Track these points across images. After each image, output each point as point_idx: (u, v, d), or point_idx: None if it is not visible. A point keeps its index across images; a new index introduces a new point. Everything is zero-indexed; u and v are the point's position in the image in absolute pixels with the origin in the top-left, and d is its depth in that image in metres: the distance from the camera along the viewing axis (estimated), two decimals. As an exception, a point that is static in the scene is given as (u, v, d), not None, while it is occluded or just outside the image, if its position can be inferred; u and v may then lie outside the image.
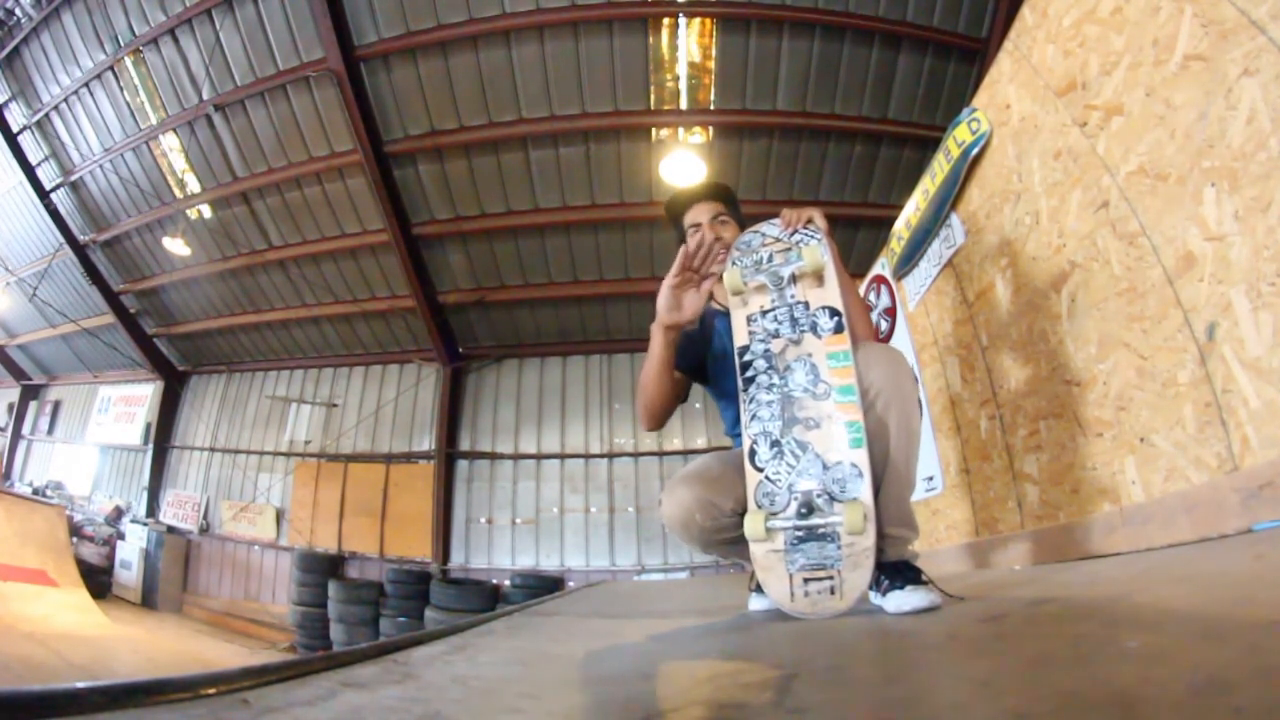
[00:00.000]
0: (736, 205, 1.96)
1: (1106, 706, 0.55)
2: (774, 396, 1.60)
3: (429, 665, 1.12)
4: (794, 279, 1.68)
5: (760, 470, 1.55)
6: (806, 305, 1.66)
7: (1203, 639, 0.69)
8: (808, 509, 1.48)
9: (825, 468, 1.50)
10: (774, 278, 1.71)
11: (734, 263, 1.75)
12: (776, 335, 1.66)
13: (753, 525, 1.48)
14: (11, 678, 4.10)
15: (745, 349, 1.68)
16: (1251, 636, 0.66)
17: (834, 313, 1.63)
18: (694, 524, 1.59)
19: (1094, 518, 1.97)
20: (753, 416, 1.61)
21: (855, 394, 1.53)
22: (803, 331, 1.64)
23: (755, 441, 1.58)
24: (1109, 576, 1.49)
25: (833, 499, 1.47)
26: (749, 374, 1.65)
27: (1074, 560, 1.99)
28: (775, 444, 1.56)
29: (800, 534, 1.48)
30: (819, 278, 1.67)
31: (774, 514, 1.50)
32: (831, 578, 1.46)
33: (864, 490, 1.46)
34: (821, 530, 1.47)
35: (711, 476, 1.63)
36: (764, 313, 1.69)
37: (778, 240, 1.74)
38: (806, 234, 1.72)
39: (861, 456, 1.48)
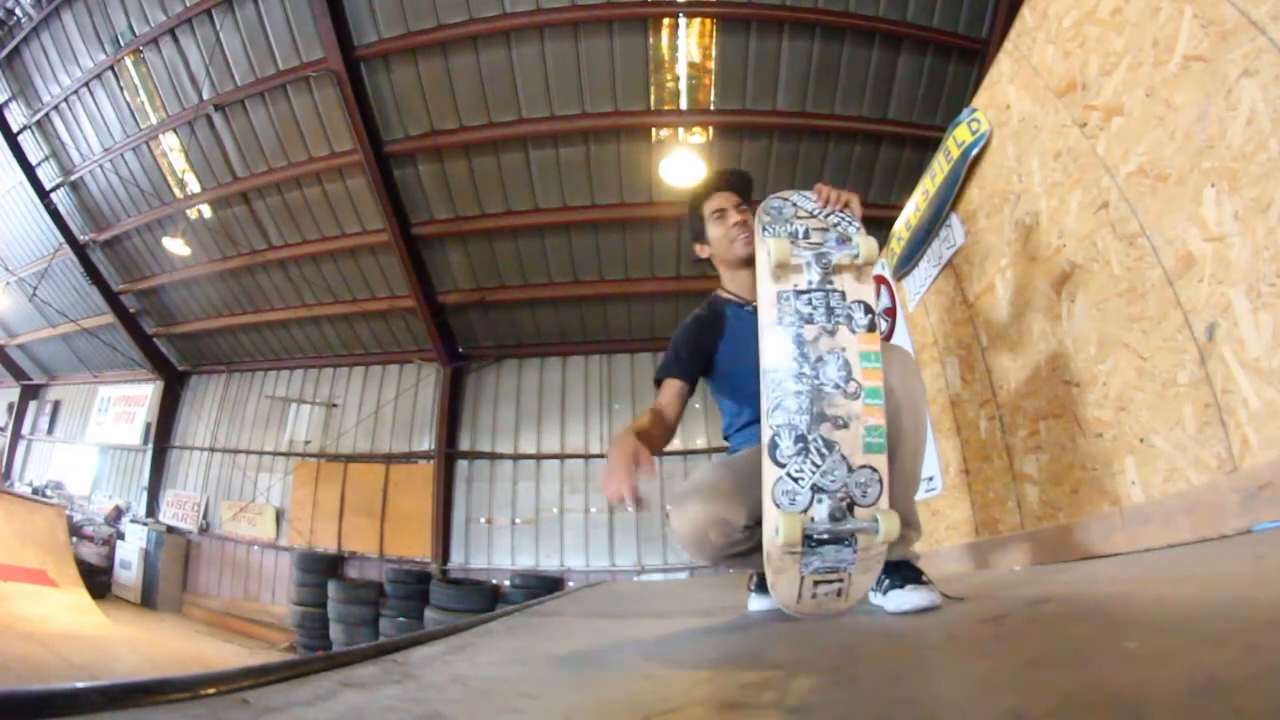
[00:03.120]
0: (751, 197, 1.89)
1: (1106, 707, 0.55)
2: (803, 387, 1.48)
3: (429, 665, 1.12)
4: (839, 268, 1.57)
5: (781, 466, 1.44)
6: (844, 295, 1.55)
7: (1203, 639, 0.69)
8: (841, 514, 1.40)
9: (850, 470, 1.42)
10: (823, 260, 1.57)
11: (765, 229, 1.62)
12: (810, 321, 1.53)
13: (789, 529, 1.36)
14: (11, 678, 4.10)
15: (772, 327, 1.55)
16: (1251, 637, 0.66)
17: (868, 309, 1.54)
18: (708, 542, 1.55)
19: (1094, 518, 1.97)
20: (777, 405, 1.48)
21: (882, 397, 1.46)
22: (838, 323, 1.52)
23: (777, 434, 1.45)
24: (1109, 577, 1.49)
25: (853, 503, 1.41)
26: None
27: (1074, 561, 1.99)
28: (800, 439, 1.45)
29: (822, 538, 1.41)
30: (860, 270, 1.57)
31: (801, 513, 1.41)
32: (841, 580, 1.42)
33: (883, 496, 1.41)
34: (842, 534, 1.40)
35: (723, 491, 1.57)
36: (798, 293, 1.56)
37: (812, 215, 1.63)
38: (843, 218, 1.62)
39: (882, 462, 1.43)
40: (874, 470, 1.43)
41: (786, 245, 1.55)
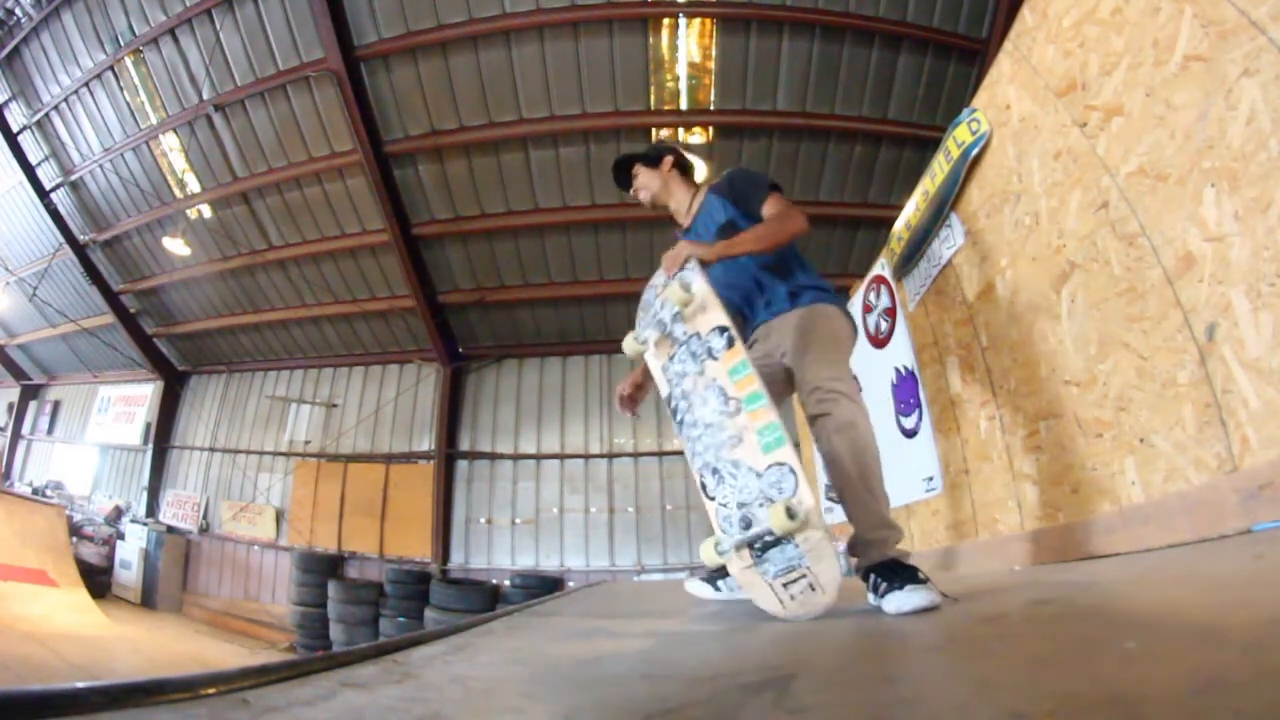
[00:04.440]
0: (634, 161, 2.24)
1: (1105, 707, 0.55)
2: (699, 430, 1.67)
3: (429, 665, 1.12)
4: (677, 319, 1.76)
5: (713, 499, 1.61)
6: (699, 335, 1.72)
7: (1202, 640, 0.69)
8: (747, 523, 1.53)
9: (759, 475, 1.53)
10: (659, 325, 1.80)
11: (635, 326, 1.89)
12: (685, 375, 1.73)
13: (706, 553, 1.54)
14: (11, 678, 4.10)
15: (669, 397, 1.77)
16: (1251, 637, 0.66)
17: (723, 329, 1.68)
18: None
19: (1094, 518, 1.97)
20: (693, 454, 1.68)
21: (764, 399, 1.57)
22: (703, 361, 1.69)
23: (701, 476, 1.65)
24: (1109, 577, 1.49)
25: (772, 503, 1.49)
26: (679, 418, 1.73)
27: (1074, 560, 1.99)
28: (715, 471, 1.62)
29: (760, 546, 1.51)
30: (702, 305, 1.73)
31: (725, 534, 1.56)
32: (805, 575, 1.47)
33: (800, 485, 1.48)
34: (770, 537, 1.49)
35: None
36: (671, 359, 1.78)
37: (666, 286, 1.81)
38: (684, 273, 1.78)
39: (786, 453, 1.52)
40: (781, 464, 1.52)
41: (630, 342, 1.84)
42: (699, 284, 1.75)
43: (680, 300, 1.73)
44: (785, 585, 1.49)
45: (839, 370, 1.78)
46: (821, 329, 1.84)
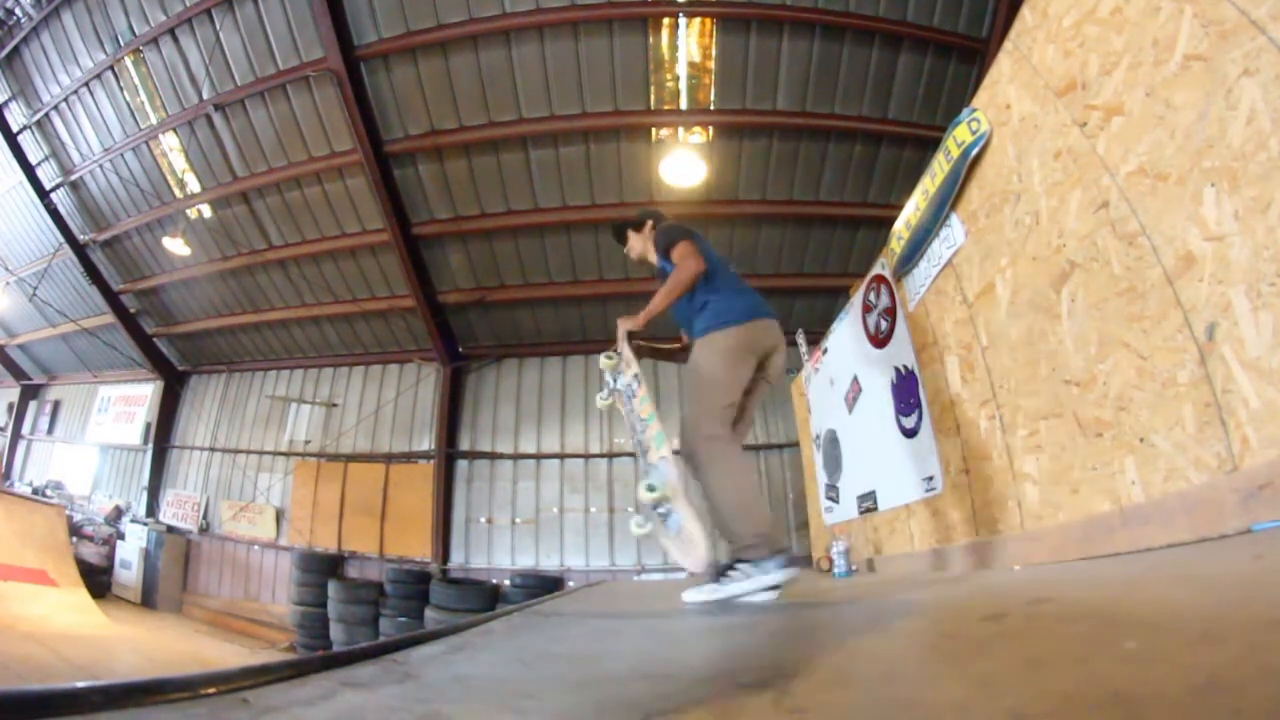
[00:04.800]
0: (625, 228, 2.88)
1: (1106, 706, 0.55)
2: (639, 450, 2.45)
3: (429, 665, 1.12)
4: (617, 377, 2.59)
5: (651, 490, 2.28)
6: (630, 384, 2.52)
7: (1202, 639, 0.69)
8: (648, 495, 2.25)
9: (658, 469, 2.26)
10: (606, 384, 2.67)
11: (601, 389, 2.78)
12: (628, 414, 2.52)
13: (634, 528, 2.28)
14: (11, 678, 4.10)
15: (630, 433, 2.53)
16: (1251, 637, 0.66)
17: (637, 375, 2.50)
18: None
19: (1094, 518, 1.97)
20: (639, 467, 2.44)
21: (655, 415, 2.36)
22: (631, 399, 2.51)
23: (644, 479, 2.32)
24: (1109, 576, 1.49)
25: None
26: (634, 444, 2.50)
27: (1074, 560, 2.00)
28: (646, 474, 2.34)
29: (661, 515, 2.25)
30: (627, 362, 2.53)
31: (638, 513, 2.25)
32: (684, 532, 2.18)
33: (666, 469, 2.24)
34: (659, 508, 2.22)
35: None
36: (623, 406, 2.60)
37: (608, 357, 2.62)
38: (619, 343, 2.55)
39: (666, 449, 2.30)
40: (664, 457, 2.29)
41: (599, 401, 2.74)
42: (627, 351, 2.52)
43: (609, 365, 2.55)
44: (679, 542, 2.15)
45: (699, 411, 2.20)
46: (694, 368, 2.29)
